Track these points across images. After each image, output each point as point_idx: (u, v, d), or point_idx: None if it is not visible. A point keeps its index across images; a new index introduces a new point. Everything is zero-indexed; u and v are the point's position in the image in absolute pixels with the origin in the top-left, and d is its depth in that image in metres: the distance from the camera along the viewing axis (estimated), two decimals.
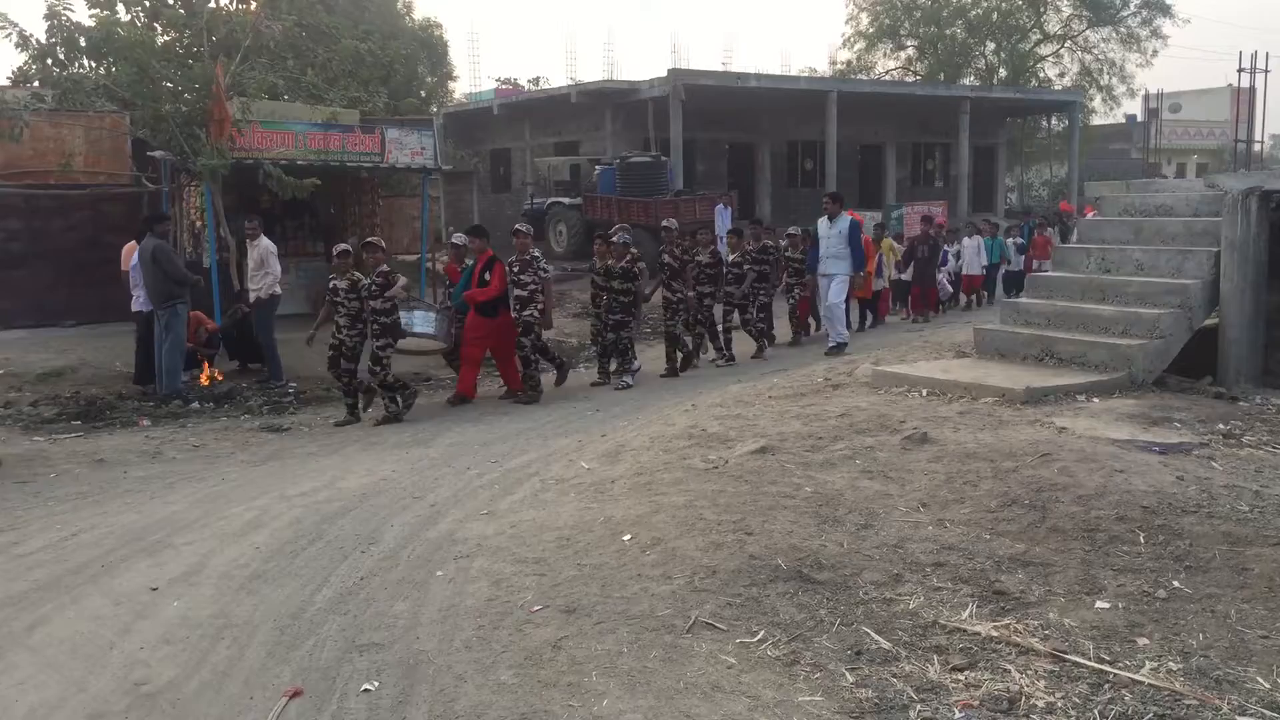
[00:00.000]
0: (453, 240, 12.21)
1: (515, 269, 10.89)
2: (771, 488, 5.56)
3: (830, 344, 13.16)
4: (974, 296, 18.97)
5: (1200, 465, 5.51)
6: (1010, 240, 19.54)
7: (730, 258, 13.49)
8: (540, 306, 10.87)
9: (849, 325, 14.72)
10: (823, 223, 13.45)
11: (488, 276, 10.79)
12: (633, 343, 12.16)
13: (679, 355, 12.46)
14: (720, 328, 13.12)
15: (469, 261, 11.40)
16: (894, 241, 18.09)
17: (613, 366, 12.02)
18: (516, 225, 11.77)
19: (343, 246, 10.58)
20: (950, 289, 18.46)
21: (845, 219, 13.29)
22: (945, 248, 18.16)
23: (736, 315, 13.41)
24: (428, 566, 5.25)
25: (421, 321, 10.88)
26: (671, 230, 12.85)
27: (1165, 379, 7.56)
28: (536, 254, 11.19)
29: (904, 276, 17.59)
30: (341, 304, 10.15)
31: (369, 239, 10.79)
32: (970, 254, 18.62)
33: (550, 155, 29.75)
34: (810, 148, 32.97)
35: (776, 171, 32.95)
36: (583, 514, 5.69)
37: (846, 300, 14.28)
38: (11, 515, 7.04)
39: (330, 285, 10.36)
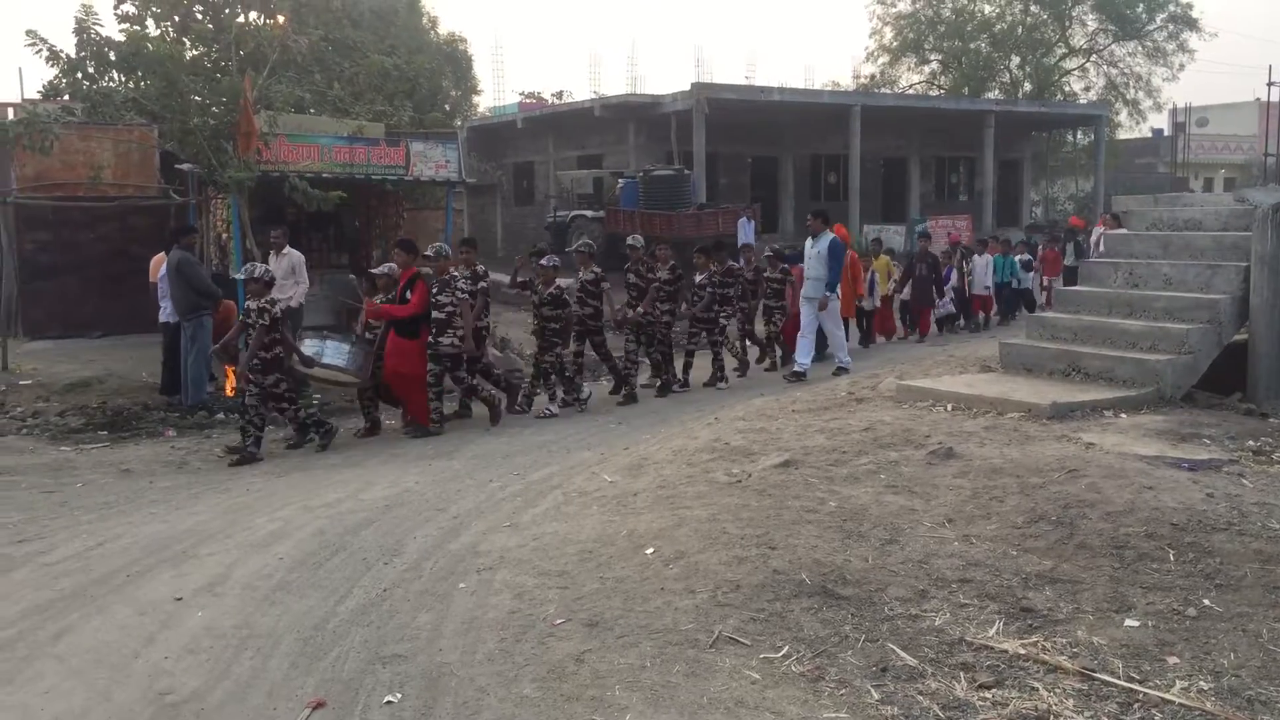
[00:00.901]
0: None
1: (434, 289, 10.13)
2: (795, 502, 5.53)
3: (837, 364, 12.63)
4: (982, 317, 18.06)
5: (1230, 482, 5.44)
6: (1017, 258, 18.70)
7: (697, 278, 12.68)
8: (460, 332, 10.11)
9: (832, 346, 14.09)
10: (809, 242, 12.80)
11: (409, 295, 10.05)
12: (616, 363, 11.83)
13: (659, 376, 12.11)
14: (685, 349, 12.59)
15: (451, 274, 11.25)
16: (890, 259, 17.18)
17: (559, 394, 11.16)
18: (435, 244, 11.09)
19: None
20: (952, 308, 17.54)
21: (827, 237, 12.51)
22: (950, 266, 17.37)
23: (706, 336, 12.74)
24: (450, 578, 5.25)
25: (333, 352, 10.06)
26: (636, 248, 12.28)
27: (1194, 395, 7.48)
28: (456, 273, 10.51)
29: (902, 295, 16.85)
30: (253, 325, 9.44)
31: (255, 275, 9.64)
32: (979, 273, 17.79)
33: (573, 168, 29.84)
34: (833, 161, 32.94)
35: (799, 185, 32.93)
36: (605, 527, 5.67)
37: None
38: (39, 525, 7.09)
39: (244, 307, 9.75)
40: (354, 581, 5.38)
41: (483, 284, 10.92)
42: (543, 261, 11.23)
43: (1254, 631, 3.99)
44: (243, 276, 9.90)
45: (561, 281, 11.28)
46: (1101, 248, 16.76)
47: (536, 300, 11.15)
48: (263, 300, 9.37)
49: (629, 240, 12.60)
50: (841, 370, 12.29)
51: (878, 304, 16.11)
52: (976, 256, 17.97)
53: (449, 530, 6.22)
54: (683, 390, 12.24)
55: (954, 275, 17.27)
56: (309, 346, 9.87)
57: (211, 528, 6.72)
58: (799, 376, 12.11)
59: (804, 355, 12.43)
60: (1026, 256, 18.84)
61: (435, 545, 5.91)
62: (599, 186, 26.50)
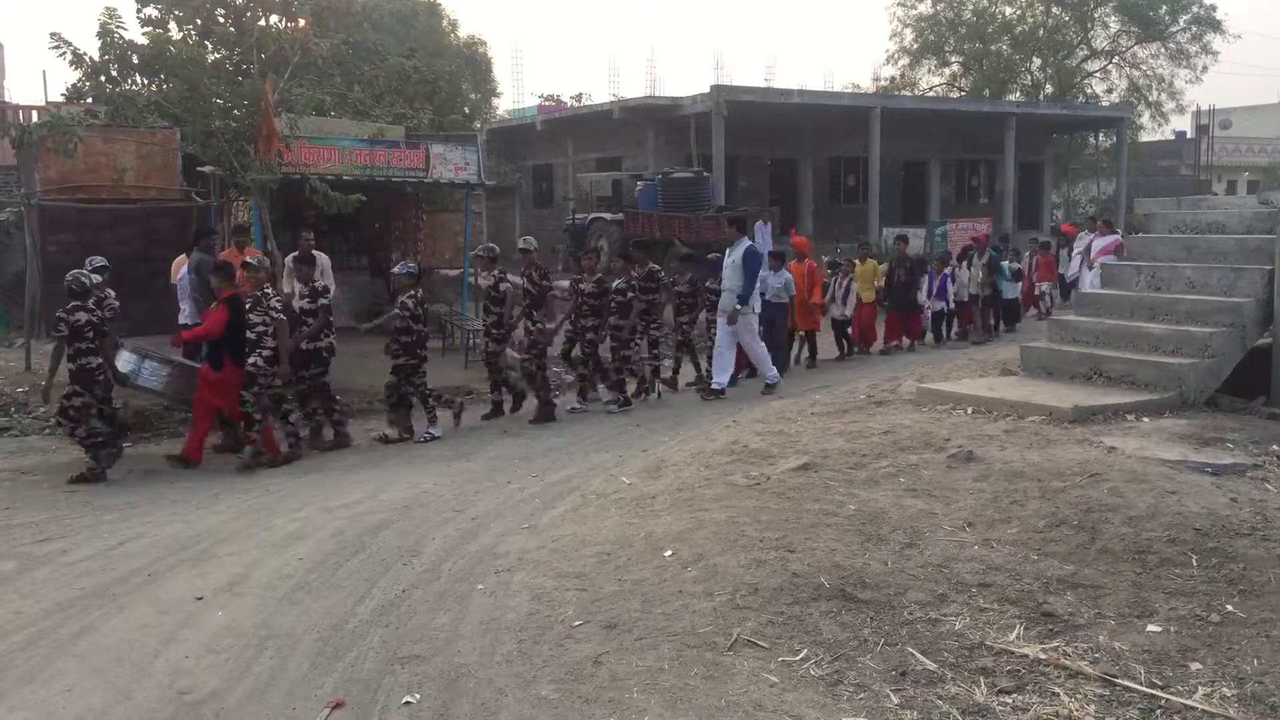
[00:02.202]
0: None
1: (248, 305, 9.27)
2: (814, 505, 5.51)
3: (766, 382, 11.73)
4: (971, 325, 16.91)
5: (1254, 487, 5.39)
6: (1006, 265, 17.62)
7: (615, 284, 11.43)
8: (269, 353, 9.16)
9: (790, 357, 13.60)
10: (727, 251, 11.81)
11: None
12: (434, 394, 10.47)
13: (518, 397, 11.06)
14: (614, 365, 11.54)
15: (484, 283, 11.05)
16: (877, 264, 15.89)
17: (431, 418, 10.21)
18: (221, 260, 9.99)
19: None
20: (944, 316, 16.47)
21: (743, 245, 11.50)
22: (944, 270, 16.26)
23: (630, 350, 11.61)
24: (469, 580, 5.25)
25: (149, 374, 9.48)
26: (530, 251, 11.02)
27: (1217, 399, 7.42)
28: (269, 289, 9.64)
29: (884, 303, 15.72)
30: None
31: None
32: (964, 280, 16.66)
33: (592, 171, 29.85)
34: (853, 164, 32.81)
35: (819, 188, 32.83)
36: (623, 529, 5.67)
37: (779, 331, 12.95)
38: (61, 524, 7.15)
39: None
40: (373, 582, 5.40)
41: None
42: (395, 270, 10.65)
43: (1278, 638, 3.95)
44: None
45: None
46: (1091, 255, 16.45)
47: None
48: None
49: (520, 244, 11.38)
50: (770, 388, 11.57)
51: (848, 313, 14.94)
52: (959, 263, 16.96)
53: (467, 532, 6.23)
54: (622, 409, 11.01)
55: (948, 283, 16.24)
56: (125, 363, 9.33)
57: (232, 528, 6.76)
58: (716, 394, 11.39)
59: (721, 373, 11.60)
60: (1016, 265, 18.03)
61: (454, 546, 5.92)
62: (618, 189, 26.49)
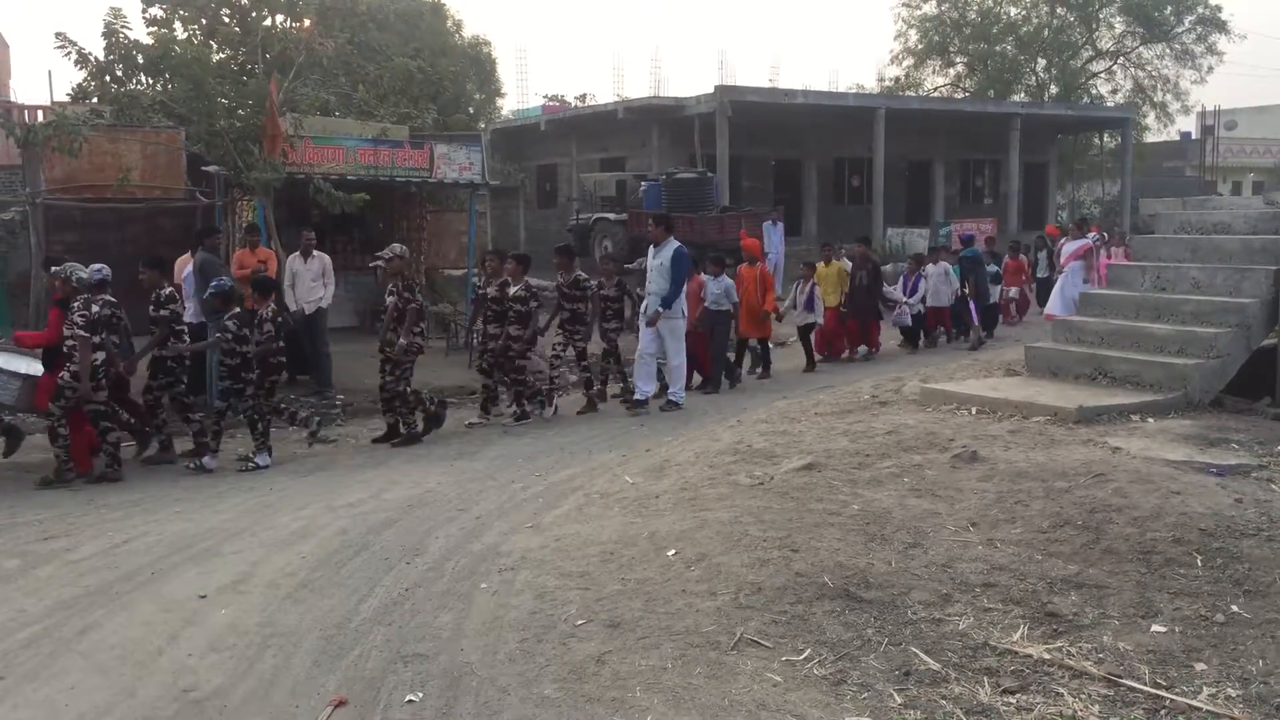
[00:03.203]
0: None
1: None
2: (818, 505, 5.51)
3: (667, 400, 10.97)
4: (939, 332, 16.00)
5: (1259, 487, 5.38)
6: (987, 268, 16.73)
7: (512, 291, 10.62)
8: (74, 368, 8.46)
9: (736, 370, 12.80)
10: (650, 251, 11.09)
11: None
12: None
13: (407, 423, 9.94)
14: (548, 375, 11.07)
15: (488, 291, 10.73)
16: (844, 267, 14.79)
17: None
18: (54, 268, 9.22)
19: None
20: (909, 321, 15.50)
21: (670, 247, 10.77)
22: (918, 275, 15.40)
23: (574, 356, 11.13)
24: (472, 579, 5.25)
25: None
26: (399, 258, 10.08)
27: (1222, 399, 7.41)
28: (77, 302, 8.65)
29: (843, 308, 14.75)
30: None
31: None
32: (936, 283, 15.56)
33: (596, 171, 29.86)
34: (858, 164, 32.79)
35: (823, 188, 32.82)
36: (627, 528, 5.67)
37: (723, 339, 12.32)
38: (65, 522, 7.16)
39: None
40: (376, 581, 5.40)
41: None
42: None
43: None
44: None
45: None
46: (1061, 259, 15.86)
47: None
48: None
49: (386, 252, 10.21)
50: (672, 405, 10.80)
51: (820, 320, 14.30)
52: (931, 266, 15.79)
53: (471, 530, 6.23)
54: (518, 423, 10.51)
55: (921, 284, 15.35)
56: None
57: (235, 526, 6.76)
58: (639, 405, 10.71)
59: (646, 382, 10.94)
60: (994, 268, 17.19)
61: (457, 545, 5.92)
62: (622, 189, 26.50)
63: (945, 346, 15.54)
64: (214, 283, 9.73)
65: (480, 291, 11.08)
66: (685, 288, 11.11)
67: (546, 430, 10.15)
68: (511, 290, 10.57)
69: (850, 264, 14.84)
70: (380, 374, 9.98)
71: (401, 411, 9.89)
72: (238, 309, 9.33)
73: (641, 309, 11.14)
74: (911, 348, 15.45)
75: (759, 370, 13.33)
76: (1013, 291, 18.30)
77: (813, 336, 14.30)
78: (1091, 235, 17.20)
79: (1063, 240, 17.07)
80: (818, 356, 14.21)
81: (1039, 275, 19.28)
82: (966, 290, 15.82)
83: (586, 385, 11.33)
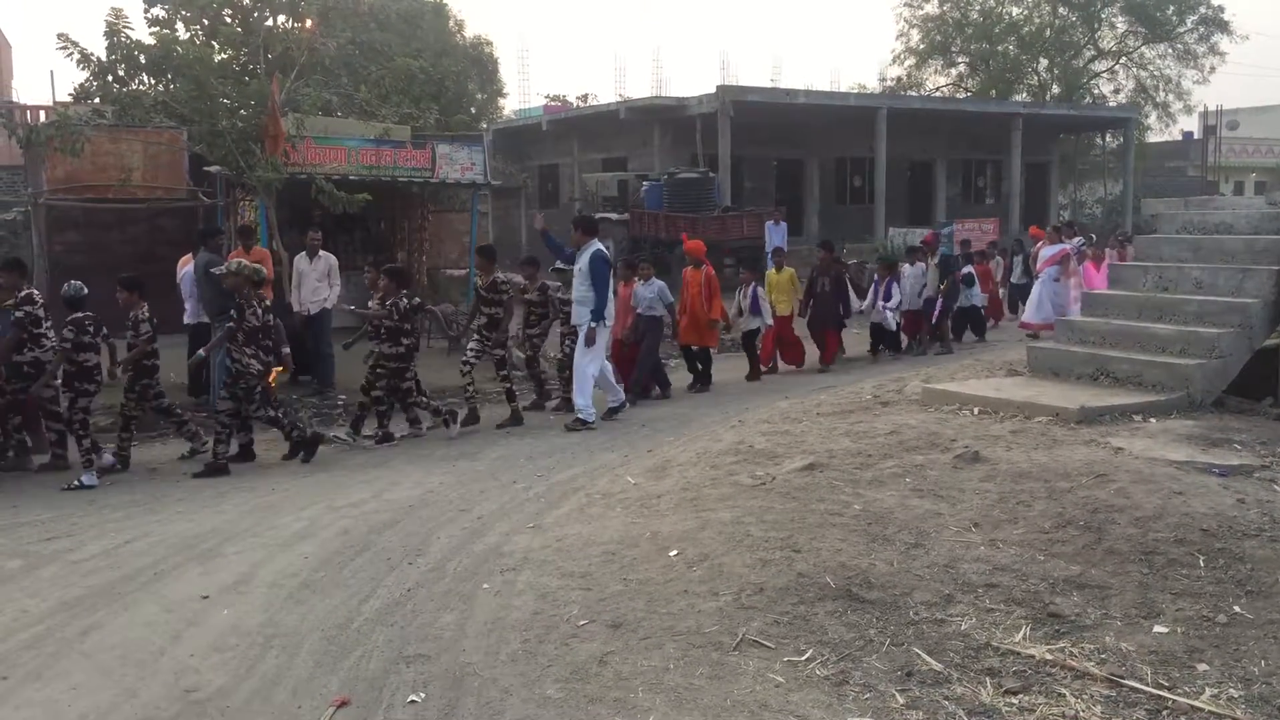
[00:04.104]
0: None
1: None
2: (820, 505, 5.51)
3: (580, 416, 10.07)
4: (917, 339, 15.04)
5: (1262, 488, 5.37)
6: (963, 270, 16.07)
7: (371, 307, 10.08)
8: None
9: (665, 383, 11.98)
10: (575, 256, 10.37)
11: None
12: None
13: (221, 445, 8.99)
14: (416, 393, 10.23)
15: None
16: (795, 273, 13.98)
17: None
18: None
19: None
20: (895, 326, 14.62)
21: (591, 249, 10.05)
22: (890, 280, 14.35)
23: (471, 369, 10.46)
24: (474, 579, 5.25)
25: None
26: (234, 275, 9.11)
27: (1224, 400, 7.40)
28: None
29: (802, 315, 13.99)
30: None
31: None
32: (910, 285, 14.67)
33: (598, 171, 29.87)
34: (859, 164, 32.81)
35: (825, 188, 32.83)
36: (629, 529, 5.67)
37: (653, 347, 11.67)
38: (67, 522, 7.16)
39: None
40: (378, 581, 5.40)
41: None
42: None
43: None
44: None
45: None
46: (1037, 265, 15.66)
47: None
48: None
49: (224, 268, 9.44)
50: (580, 424, 9.92)
51: (768, 323, 13.33)
52: (906, 266, 14.90)
53: (473, 531, 6.23)
54: (378, 445, 9.81)
55: (894, 290, 14.35)
56: None
57: (237, 526, 6.77)
58: (584, 425, 9.92)
59: (583, 397, 10.12)
60: (968, 270, 16.33)
61: (459, 546, 5.93)
62: (624, 189, 26.52)
63: (905, 355, 14.61)
64: (64, 286, 9.28)
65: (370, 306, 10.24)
66: (610, 292, 10.30)
67: (548, 431, 10.15)
68: (391, 302, 9.81)
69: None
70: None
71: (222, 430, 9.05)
72: (80, 314, 8.89)
73: (583, 323, 10.08)
74: (873, 355, 14.55)
75: (697, 384, 12.47)
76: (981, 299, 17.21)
77: (759, 343, 13.45)
78: (1076, 240, 16.72)
79: (1039, 245, 16.56)
80: (763, 366, 13.40)
81: (1014, 280, 18.43)
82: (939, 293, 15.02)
83: (509, 396, 10.61)
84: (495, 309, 10.54)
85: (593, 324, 10.02)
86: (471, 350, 10.65)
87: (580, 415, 10.01)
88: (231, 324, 9.02)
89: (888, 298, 14.37)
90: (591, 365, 10.19)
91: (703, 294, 12.22)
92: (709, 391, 12.28)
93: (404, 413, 10.23)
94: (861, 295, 14.64)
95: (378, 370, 9.93)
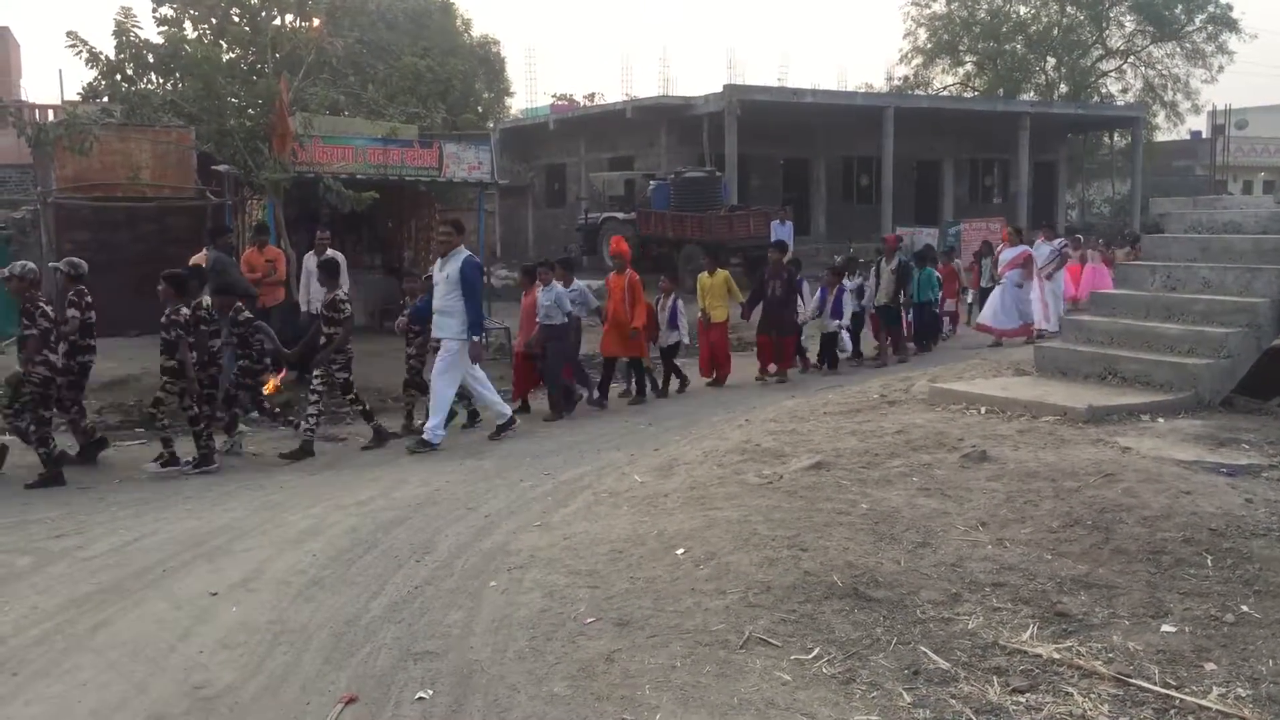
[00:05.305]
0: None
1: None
2: (827, 504, 5.51)
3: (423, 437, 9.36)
4: (876, 349, 14.38)
5: (1270, 487, 5.36)
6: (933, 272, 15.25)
7: (166, 315, 9.00)
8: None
9: (583, 393, 11.31)
10: (438, 263, 9.57)
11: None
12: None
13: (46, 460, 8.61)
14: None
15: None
16: (729, 275, 13.04)
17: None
18: None
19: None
20: (848, 337, 13.87)
21: (461, 256, 9.26)
22: (840, 288, 13.58)
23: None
24: (481, 577, 5.26)
25: None
26: (18, 279, 8.69)
27: (1232, 399, 7.38)
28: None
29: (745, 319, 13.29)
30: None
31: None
32: (868, 292, 14.10)
33: (605, 170, 29.88)
34: (866, 163, 32.80)
35: (832, 187, 32.82)
36: (636, 527, 5.67)
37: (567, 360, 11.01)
38: (76, 520, 7.19)
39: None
40: (386, 579, 5.41)
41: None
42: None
43: None
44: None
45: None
46: (999, 268, 15.33)
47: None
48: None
49: (6, 272, 8.93)
50: (423, 445, 9.23)
51: (684, 340, 12.61)
52: (846, 280, 14.01)
53: (480, 529, 6.24)
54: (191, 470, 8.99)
55: (845, 302, 13.63)
56: None
57: (245, 524, 6.79)
58: (427, 447, 9.21)
59: (500, 402, 9.65)
60: (930, 270, 15.43)
61: (466, 543, 5.94)
62: (630, 188, 26.53)
63: (854, 365, 13.96)
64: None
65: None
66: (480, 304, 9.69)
67: (554, 429, 10.16)
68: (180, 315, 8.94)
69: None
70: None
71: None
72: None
73: (448, 336, 9.33)
74: (816, 367, 13.65)
75: (632, 391, 11.85)
76: (947, 304, 16.73)
77: (700, 355, 12.74)
78: (1057, 242, 16.35)
79: (1000, 247, 16.17)
80: (705, 379, 12.63)
81: (983, 284, 17.28)
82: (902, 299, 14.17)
83: (366, 418, 9.84)
84: (334, 329, 9.51)
85: (475, 338, 9.40)
86: (317, 377, 9.61)
87: (425, 436, 9.30)
88: (34, 332, 8.58)
89: (837, 311, 13.56)
90: (449, 387, 9.46)
91: (624, 300, 11.42)
92: (644, 402, 11.64)
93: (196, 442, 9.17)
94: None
95: (166, 387, 9.09)
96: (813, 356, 13.81)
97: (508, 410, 9.93)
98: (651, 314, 11.92)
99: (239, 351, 9.73)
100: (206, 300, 9.19)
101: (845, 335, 13.91)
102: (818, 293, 13.87)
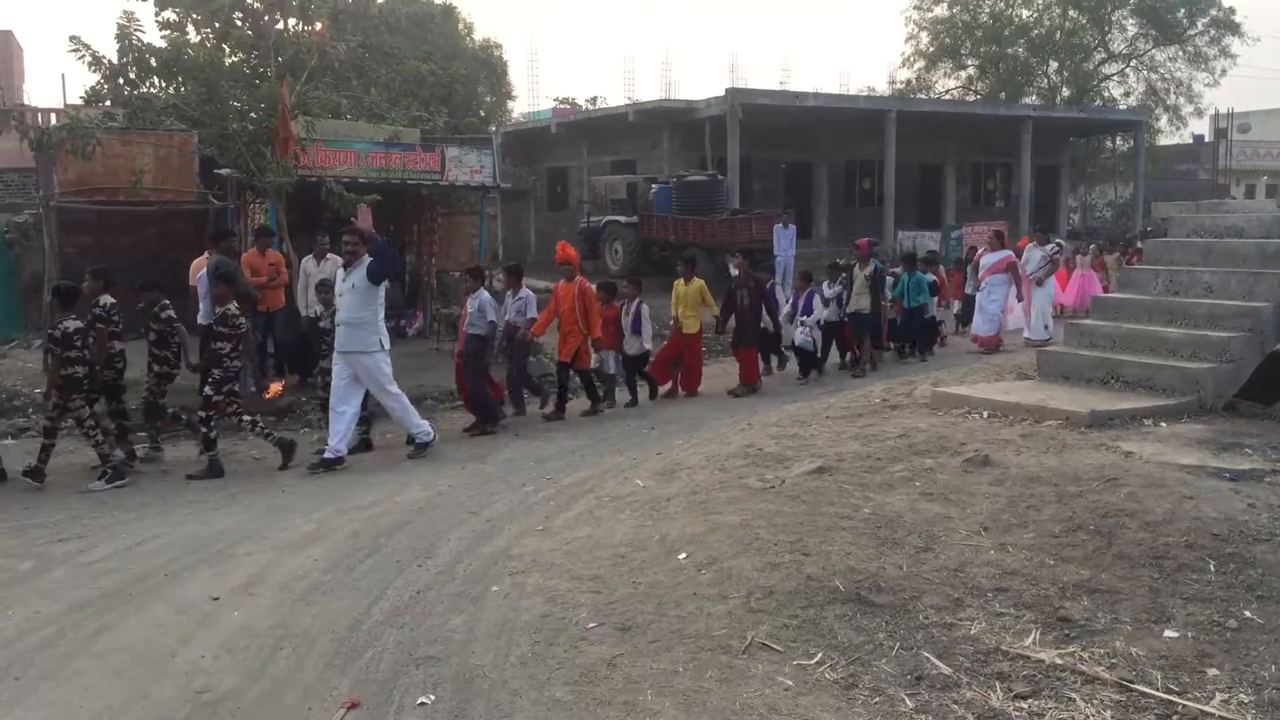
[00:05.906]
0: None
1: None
2: (829, 508, 5.51)
3: (325, 453, 8.86)
4: (853, 357, 13.65)
5: (1273, 492, 5.35)
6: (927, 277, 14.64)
7: (62, 328, 8.49)
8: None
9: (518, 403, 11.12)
10: (340, 273, 9.08)
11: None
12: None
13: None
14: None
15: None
16: (703, 284, 12.34)
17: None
18: None
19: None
20: (813, 344, 13.13)
21: (364, 264, 8.68)
22: (810, 291, 13.18)
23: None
24: (483, 581, 5.27)
25: None
26: None
27: (1235, 404, 7.38)
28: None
29: (720, 333, 12.90)
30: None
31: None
32: (840, 298, 13.37)
33: (607, 174, 29.86)
34: (868, 167, 32.75)
35: (834, 191, 32.77)
36: (638, 532, 5.67)
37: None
38: (79, 524, 7.19)
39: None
40: (388, 583, 5.42)
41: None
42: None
43: None
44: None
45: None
46: (980, 273, 15.13)
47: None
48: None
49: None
50: (327, 463, 8.73)
51: (647, 347, 11.91)
52: (825, 285, 13.41)
53: (482, 533, 6.24)
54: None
55: (815, 301, 13.12)
56: None
57: (248, 528, 6.79)
58: (330, 465, 8.69)
59: (339, 439, 8.82)
60: (931, 277, 14.92)
61: (468, 548, 5.94)
62: (633, 192, 26.49)
63: (829, 375, 13.39)
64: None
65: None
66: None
67: (557, 434, 10.16)
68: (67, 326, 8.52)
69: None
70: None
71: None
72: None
73: (367, 350, 8.81)
74: (802, 376, 13.13)
75: (549, 407, 11.19)
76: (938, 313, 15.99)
77: (658, 355, 12.23)
78: (1050, 247, 15.94)
79: (981, 250, 15.84)
80: (681, 392, 12.21)
81: (967, 291, 16.91)
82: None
83: (207, 445, 9.08)
84: (221, 343, 9.03)
85: (374, 348, 8.82)
86: (209, 390, 9.08)
87: (416, 440, 9.12)
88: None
89: (808, 312, 13.13)
90: (399, 398, 9.14)
91: (576, 307, 10.97)
92: (563, 418, 10.97)
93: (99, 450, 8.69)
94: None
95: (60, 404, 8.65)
96: (791, 365, 13.49)
97: (342, 446, 8.92)
98: (614, 321, 11.62)
99: (154, 351, 9.65)
100: (106, 300, 9.08)
101: (805, 336, 13.19)
102: (789, 298, 13.58)
